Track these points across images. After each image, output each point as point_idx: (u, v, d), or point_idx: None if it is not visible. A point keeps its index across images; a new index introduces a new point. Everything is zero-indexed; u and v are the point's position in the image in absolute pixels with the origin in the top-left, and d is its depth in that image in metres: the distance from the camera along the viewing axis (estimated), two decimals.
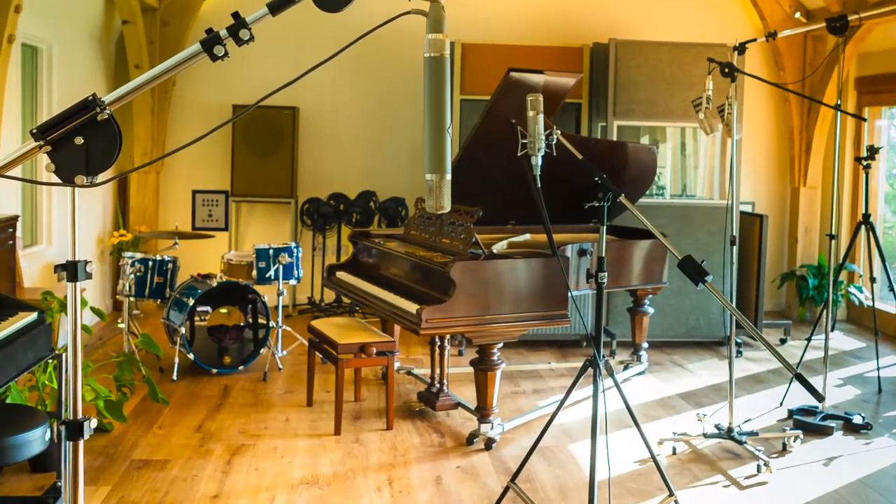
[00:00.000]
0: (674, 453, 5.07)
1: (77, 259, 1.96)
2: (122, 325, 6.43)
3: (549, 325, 5.25)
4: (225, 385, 6.16)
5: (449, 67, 2.02)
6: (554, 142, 4.17)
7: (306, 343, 5.86)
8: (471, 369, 5.15)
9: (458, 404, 5.60)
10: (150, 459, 4.76)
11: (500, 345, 5.06)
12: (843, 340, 7.95)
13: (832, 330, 7.14)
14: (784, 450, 5.11)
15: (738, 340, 7.54)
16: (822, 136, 8.77)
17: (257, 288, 6.55)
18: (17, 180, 2.03)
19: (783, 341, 7.80)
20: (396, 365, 6.22)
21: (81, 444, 2.02)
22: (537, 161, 4.07)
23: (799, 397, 5.94)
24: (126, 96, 1.94)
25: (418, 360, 6.90)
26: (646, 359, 6.68)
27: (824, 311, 5.81)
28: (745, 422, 5.43)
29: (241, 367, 6.40)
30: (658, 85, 7.19)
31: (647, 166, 6.21)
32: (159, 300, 6.41)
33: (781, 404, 5.93)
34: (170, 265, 6.41)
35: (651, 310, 6.58)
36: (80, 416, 2.01)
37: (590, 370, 4.17)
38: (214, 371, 6.31)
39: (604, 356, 4.19)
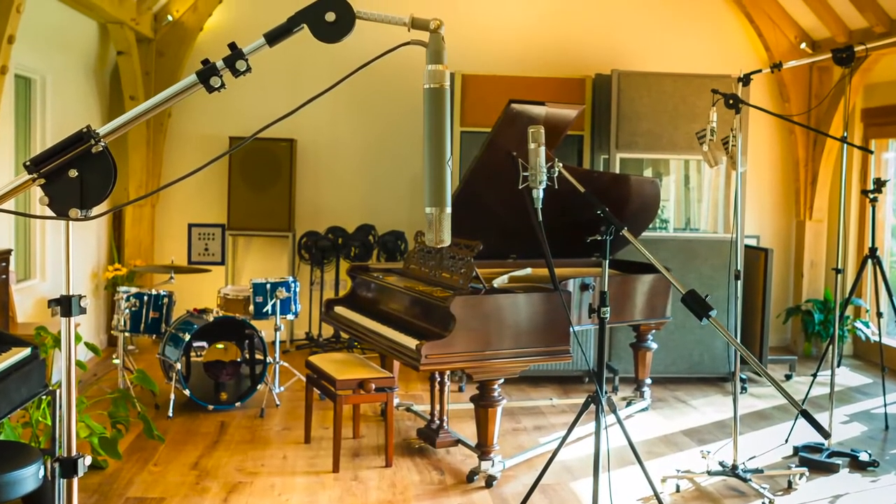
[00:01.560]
0: (677, 491, 4.99)
1: (71, 294, 1.96)
2: (116, 361, 6.37)
3: (550, 360, 5.20)
4: (221, 422, 6.08)
5: (449, 99, 2.00)
6: (555, 174, 4.14)
7: (304, 379, 5.80)
8: (471, 405, 5.08)
9: (458, 441, 5.53)
10: (145, 497, 4.68)
11: (501, 381, 5.00)
12: (850, 376, 7.88)
13: (838, 366, 7.07)
14: (789, 487, 5.03)
15: (743, 376, 7.46)
16: (827, 169, 8.74)
17: (254, 323, 6.49)
18: (11, 214, 2.00)
19: (788, 377, 7.74)
20: (396, 401, 6.16)
21: (76, 481, 2.02)
22: (539, 194, 4.04)
23: (804, 434, 5.86)
24: (121, 128, 1.93)
25: (418, 397, 6.83)
26: (649, 395, 6.61)
27: (830, 347, 5.75)
28: (750, 459, 5.37)
29: (237, 404, 6.32)
30: (661, 117, 7.16)
31: (651, 199, 6.17)
32: (155, 335, 6.35)
33: (787, 441, 5.87)
34: (165, 300, 6.35)
35: (654, 345, 6.52)
36: (74, 453, 2.01)
37: (592, 406, 4.13)
38: (211, 407, 6.24)
39: (606, 392, 4.13)
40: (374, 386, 5.20)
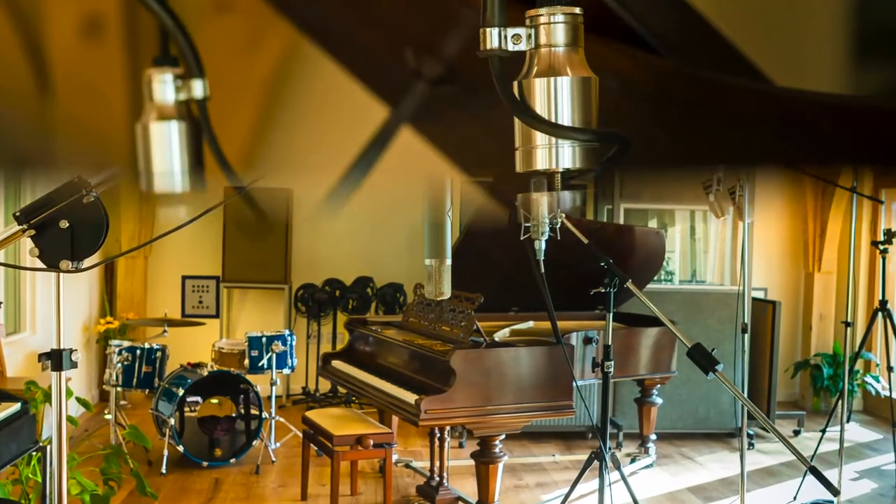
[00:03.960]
0: None
1: (62, 347, 1.96)
2: (108, 416, 6.28)
3: (553, 415, 5.11)
4: (216, 478, 5.97)
5: None
6: (558, 225, 4.09)
7: (300, 435, 5.72)
8: (472, 462, 4.98)
9: (458, 498, 5.43)
10: None
11: (503, 436, 4.90)
12: (859, 432, 7.78)
13: (848, 421, 6.96)
14: None
15: (750, 432, 7.34)
16: (837, 220, 8.67)
17: (249, 377, 6.40)
18: (0, 265, 1.97)
19: (797, 433, 7.63)
20: (394, 457, 6.05)
21: None
22: (541, 245, 3.99)
23: (813, 491, 5.75)
24: (113, 178, 1.95)
25: (417, 453, 6.72)
26: (654, 451, 6.52)
27: (839, 402, 5.67)
28: None
29: (232, 460, 6.22)
30: None
31: (655, 251, 6.13)
32: (147, 390, 6.27)
33: (795, 498, 5.76)
34: (158, 354, 6.28)
35: (659, 400, 6.43)
36: None
37: (595, 463, 4.05)
38: (205, 464, 6.13)
39: (610, 448, 4.05)
40: (372, 442, 5.12)
